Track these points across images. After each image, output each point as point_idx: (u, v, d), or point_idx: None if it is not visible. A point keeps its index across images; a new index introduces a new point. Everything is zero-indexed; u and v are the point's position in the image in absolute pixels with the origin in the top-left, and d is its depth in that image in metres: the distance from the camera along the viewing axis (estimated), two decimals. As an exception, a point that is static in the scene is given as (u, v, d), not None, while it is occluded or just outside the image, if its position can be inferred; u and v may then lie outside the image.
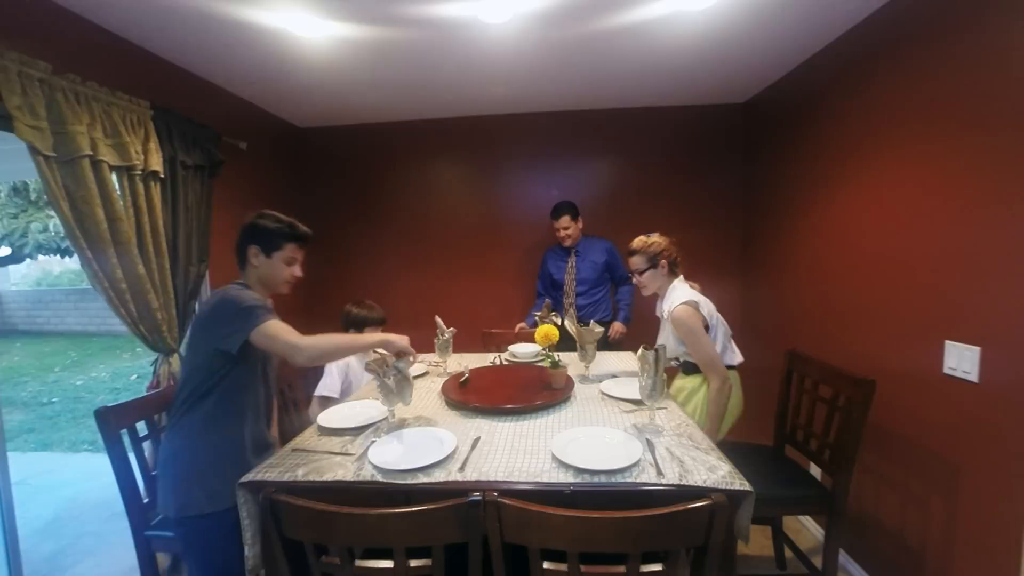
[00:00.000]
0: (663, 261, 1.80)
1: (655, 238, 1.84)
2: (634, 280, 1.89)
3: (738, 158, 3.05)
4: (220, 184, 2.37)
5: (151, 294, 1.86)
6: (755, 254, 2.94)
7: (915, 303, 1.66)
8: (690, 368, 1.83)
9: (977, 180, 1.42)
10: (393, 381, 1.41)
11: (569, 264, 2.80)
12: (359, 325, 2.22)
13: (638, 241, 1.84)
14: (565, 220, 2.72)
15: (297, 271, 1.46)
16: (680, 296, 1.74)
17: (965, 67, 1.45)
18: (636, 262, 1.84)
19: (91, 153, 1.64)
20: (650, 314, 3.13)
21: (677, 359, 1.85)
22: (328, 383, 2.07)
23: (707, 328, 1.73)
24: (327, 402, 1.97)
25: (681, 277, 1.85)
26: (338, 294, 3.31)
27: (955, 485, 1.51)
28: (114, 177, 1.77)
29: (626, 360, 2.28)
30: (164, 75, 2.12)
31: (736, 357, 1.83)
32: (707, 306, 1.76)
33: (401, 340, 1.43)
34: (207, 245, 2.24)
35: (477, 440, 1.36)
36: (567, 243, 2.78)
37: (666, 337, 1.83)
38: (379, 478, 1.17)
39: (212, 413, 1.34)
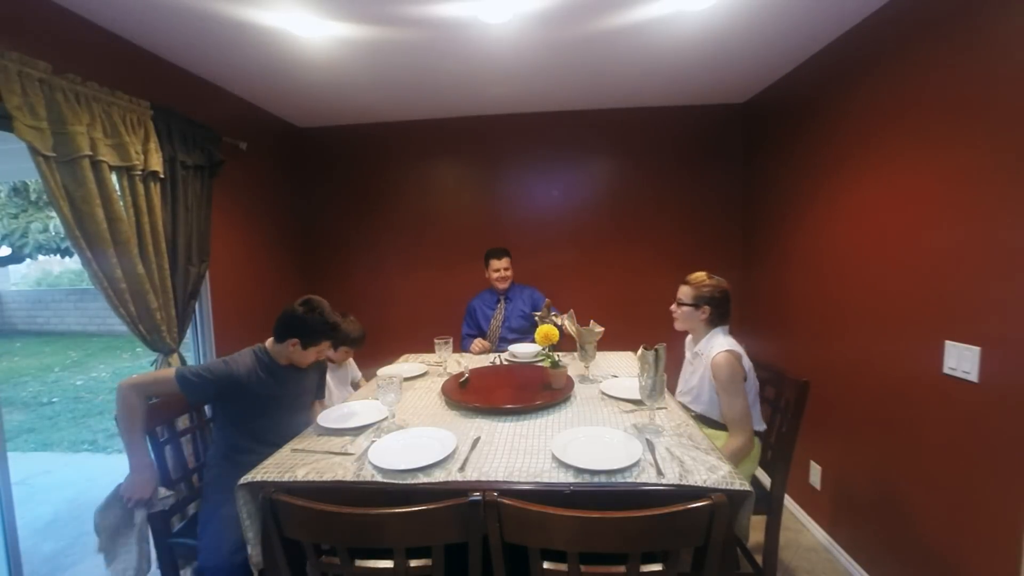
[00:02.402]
0: (706, 307, 1.71)
1: (714, 282, 1.73)
2: (672, 307, 1.80)
3: (738, 158, 3.05)
4: (220, 184, 2.36)
5: (150, 294, 1.86)
6: (754, 254, 2.94)
7: (915, 303, 1.66)
8: (708, 423, 1.72)
9: (977, 180, 1.42)
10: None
11: (498, 311, 2.77)
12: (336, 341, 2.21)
13: (696, 276, 1.76)
14: (505, 262, 2.72)
15: (323, 355, 1.70)
16: (722, 343, 1.65)
17: (965, 67, 1.45)
18: (683, 293, 1.76)
19: (91, 153, 1.64)
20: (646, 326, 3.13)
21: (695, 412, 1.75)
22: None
23: (743, 378, 1.63)
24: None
25: (726, 328, 1.73)
26: (337, 294, 3.32)
27: (955, 485, 1.51)
28: (114, 177, 1.77)
29: (626, 360, 2.29)
30: (164, 75, 2.12)
31: (759, 424, 1.69)
32: (745, 359, 1.66)
33: (138, 490, 1.45)
34: (207, 245, 2.24)
35: (477, 440, 1.36)
36: (502, 285, 2.75)
37: (696, 379, 1.75)
38: (379, 478, 1.17)
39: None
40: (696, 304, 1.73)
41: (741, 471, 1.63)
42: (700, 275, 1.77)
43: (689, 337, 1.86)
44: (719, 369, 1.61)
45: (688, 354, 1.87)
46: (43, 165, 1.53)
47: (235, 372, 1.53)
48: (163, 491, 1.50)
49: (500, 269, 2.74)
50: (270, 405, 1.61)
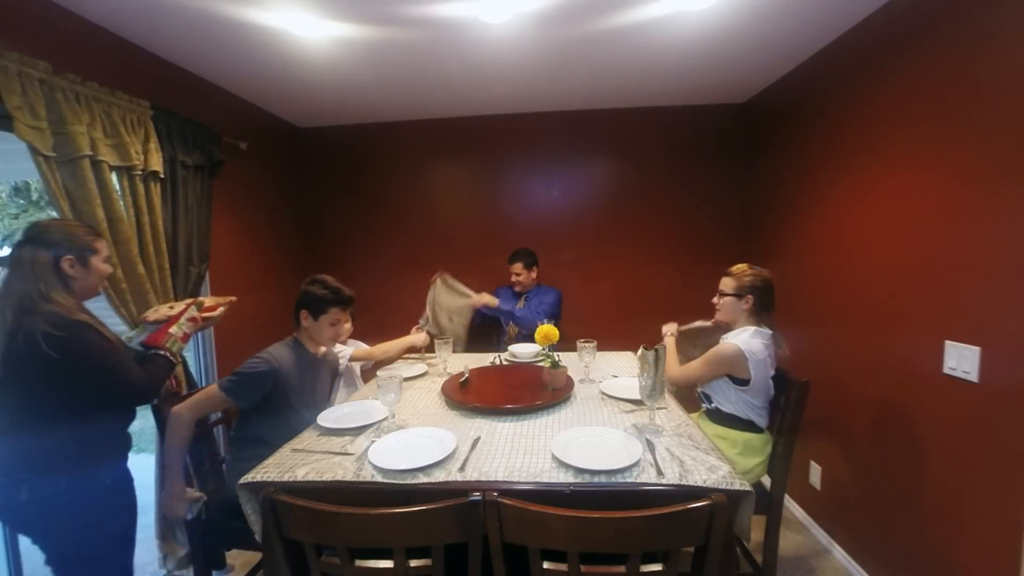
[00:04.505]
0: (750, 297, 1.68)
1: (757, 271, 1.71)
2: (714, 299, 1.79)
3: (738, 158, 3.05)
4: (220, 184, 2.37)
5: (151, 294, 1.86)
6: (755, 254, 2.93)
7: (915, 303, 1.66)
8: (720, 417, 1.74)
9: (977, 180, 1.42)
10: None
11: (517, 306, 2.85)
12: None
13: (738, 266, 1.75)
14: (518, 267, 2.81)
15: (340, 330, 1.71)
16: (742, 338, 1.64)
17: (965, 67, 1.45)
18: (725, 284, 1.74)
19: (91, 153, 1.64)
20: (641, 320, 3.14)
21: (708, 398, 1.78)
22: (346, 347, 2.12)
23: (747, 382, 1.63)
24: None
25: (764, 330, 1.68)
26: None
27: (955, 485, 1.51)
28: (114, 177, 1.77)
29: (626, 360, 2.29)
30: (164, 75, 2.12)
31: (764, 422, 1.71)
32: (761, 365, 1.62)
33: (174, 511, 1.49)
34: (207, 245, 2.24)
35: (477, 440, 1.36)
36: (517, 288, 2.87)
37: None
38: (379, 478, 1.17)
39: None
40: (739, 294, 1.70)
41: (751, 472, 1.65)
42: (742, 266, 1.75)
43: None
44: (719, 348, 1.64)
45: None
46: (43, 165, 1.53)
47: (277, 365, 1.54)
48: (193, 492, 1.55)
49: (513, 274, 2.83)
50: (303, 399, 1.63)
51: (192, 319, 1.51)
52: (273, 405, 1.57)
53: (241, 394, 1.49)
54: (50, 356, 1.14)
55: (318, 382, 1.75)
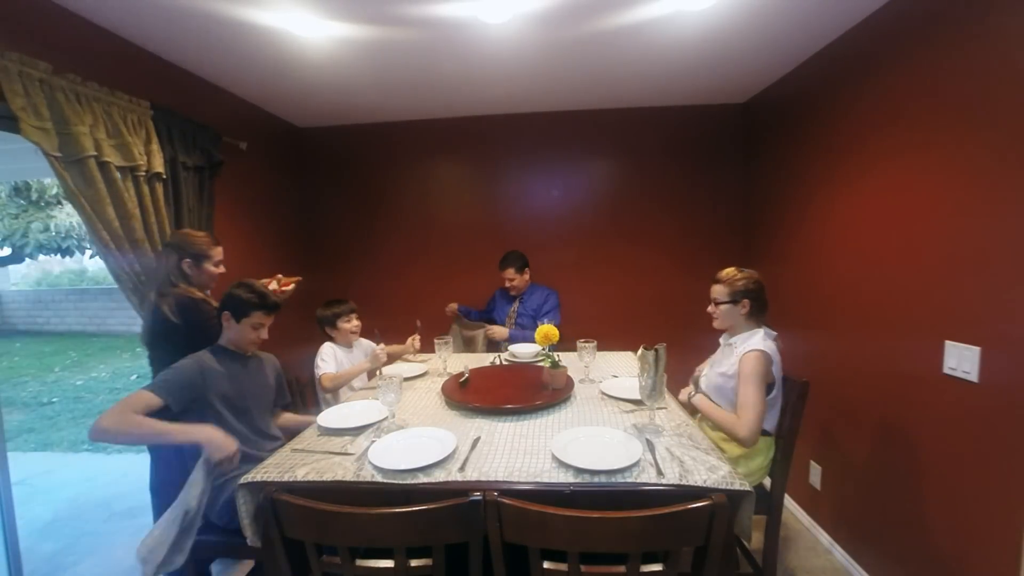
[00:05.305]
0: (745, 301, 1.67)
1: (746, 274, 1.71)
2: (709, 308, 1.77)
3: (738, 158, 3.05)
4: (221, 184, 2.36)
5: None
6: (754, 254, 2.94)
7: (915, 303, 1.66)
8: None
9: (977, 179, 1.42)
10: None
11: (512, 309, 2.94)
12: (332, 322, 2.30)
13: (727, 272, 1.73)
14: (510, 272, 2.84)
15: (263, 334, 1.66)
16: (759, 344, 1.60)
17: (965, 66, 1.45)
18: (717, 292, 1.72)
19: (95, 153, 1.64)
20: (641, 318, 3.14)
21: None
22: (324, 366, 2.12)
23: (771, 386, 1.61)
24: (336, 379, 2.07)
25: (770, 330, 1.68)
26: (338, 293, 3.31)
27: (955, 485, 1.51)
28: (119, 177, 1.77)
29: (626, 360, 2.29)
30: (164, 75, 2.12)
31: (770, 425, 1.68)
32: (778, 367, 1.63)
33: (224, 447, 1.38)
34: (208, 245, 2.24)
35: (477, 440, 1.36)
36: (512, 292, 2.93)
37: (721, 370, 1.71)
38: (379, 478, 1.17)
39: None
40: (734, 300, 1.69)
41: (753, 475, 1.65)
42: (730, 270, 1.74)
43: (725, 334, 1.82)
44: (747, 362, 1.57)
45: (720, 349, 1.82)
46: (56, 165, 1.54)
47: (202, 361, 1.51)
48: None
49: (506, 279, 2.87)
50: (241, 396, 1.57)
51: (274, 291, 1.89)
52: (212, 408, 1.51)
53: (166, 389, 1.42)
54: (174, 323, 1.63)
55: (255, 379, 1.67)
